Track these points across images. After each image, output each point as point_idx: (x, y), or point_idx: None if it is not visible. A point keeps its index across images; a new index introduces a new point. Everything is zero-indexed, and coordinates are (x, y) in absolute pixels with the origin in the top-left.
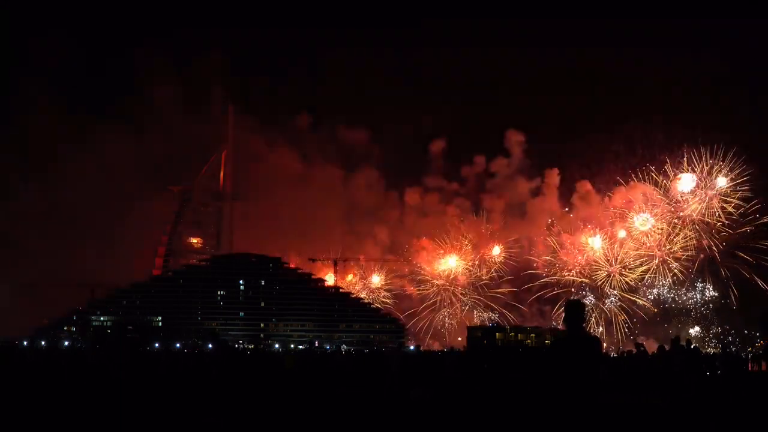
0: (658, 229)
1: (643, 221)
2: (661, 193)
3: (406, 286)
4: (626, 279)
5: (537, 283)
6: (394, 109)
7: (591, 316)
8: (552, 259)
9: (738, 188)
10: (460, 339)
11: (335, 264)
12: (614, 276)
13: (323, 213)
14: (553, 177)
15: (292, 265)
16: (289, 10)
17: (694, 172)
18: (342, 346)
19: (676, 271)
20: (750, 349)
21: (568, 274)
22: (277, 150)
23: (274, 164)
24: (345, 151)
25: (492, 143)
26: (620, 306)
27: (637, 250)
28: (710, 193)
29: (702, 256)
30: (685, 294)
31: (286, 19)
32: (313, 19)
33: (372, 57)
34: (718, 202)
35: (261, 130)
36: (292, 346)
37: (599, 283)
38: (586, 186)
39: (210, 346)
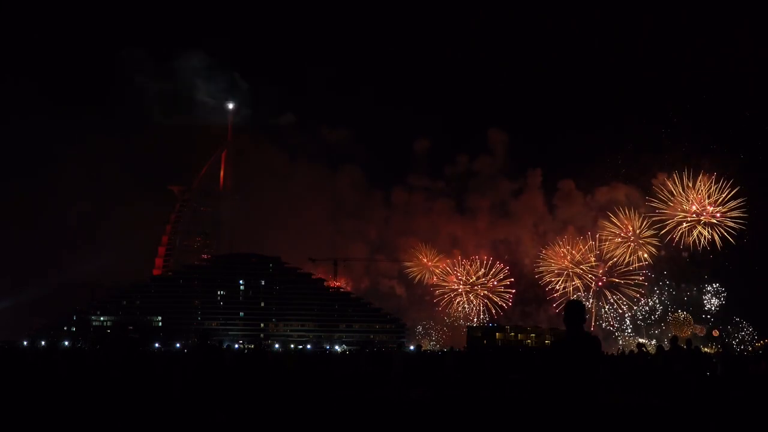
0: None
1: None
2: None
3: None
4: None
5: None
6: (378, 108)
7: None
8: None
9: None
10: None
11: (335, 264)
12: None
13: (310, 212)
14: (536, 177)
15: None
16: (277, 9)
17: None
18: (339, 346)
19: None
20: (750, 349)
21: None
22: (263, 149)
23: (260, 163)
24: (329, 150)
25: (475, 142)
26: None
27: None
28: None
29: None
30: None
31: (273, 17)
32: (298, 17)
33: (356, 56)
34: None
35: (247, 129)
36: (292, 346)
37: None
38: (569, 185)
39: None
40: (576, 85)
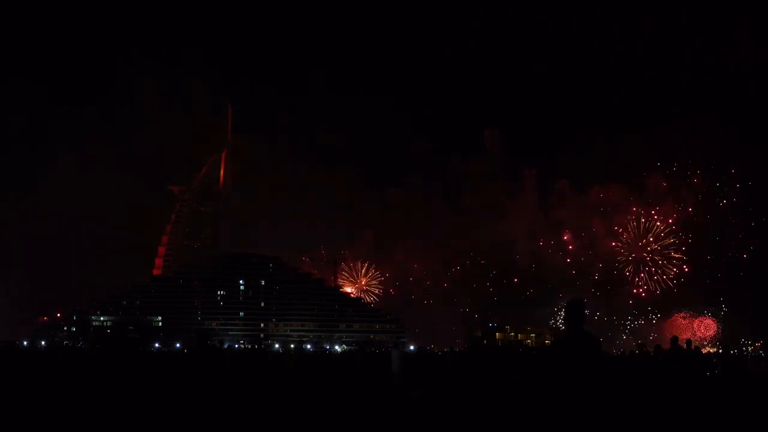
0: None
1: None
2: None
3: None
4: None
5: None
6: (375, 108)
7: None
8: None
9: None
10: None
11: (334, 264)
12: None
13: (308, 212)
14: (531, 177)
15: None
16: (276, 9)
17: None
18: (339, 346)
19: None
20: (750, 349)
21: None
22: (262, 148)
23: (259, 163)
24: (326, 149)
25: (471, 142)
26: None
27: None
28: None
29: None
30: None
31: (272, 16)
32: (297, 17)
33: (355, 56)
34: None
35: (247, 128)
36: (292, 346)
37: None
38: (563, 185)
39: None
40: (574, 86)
